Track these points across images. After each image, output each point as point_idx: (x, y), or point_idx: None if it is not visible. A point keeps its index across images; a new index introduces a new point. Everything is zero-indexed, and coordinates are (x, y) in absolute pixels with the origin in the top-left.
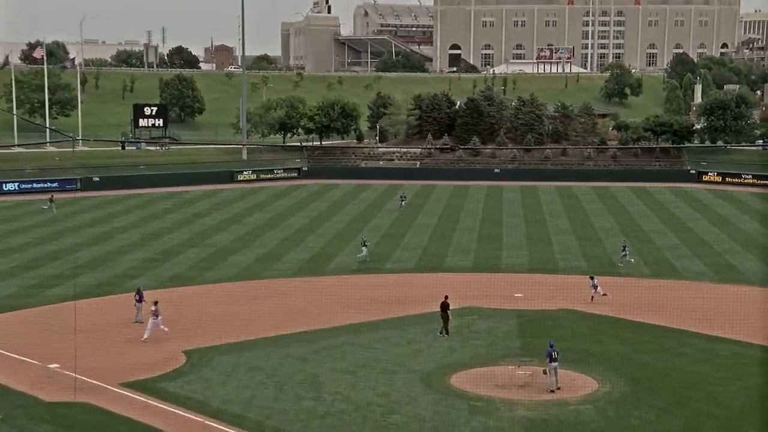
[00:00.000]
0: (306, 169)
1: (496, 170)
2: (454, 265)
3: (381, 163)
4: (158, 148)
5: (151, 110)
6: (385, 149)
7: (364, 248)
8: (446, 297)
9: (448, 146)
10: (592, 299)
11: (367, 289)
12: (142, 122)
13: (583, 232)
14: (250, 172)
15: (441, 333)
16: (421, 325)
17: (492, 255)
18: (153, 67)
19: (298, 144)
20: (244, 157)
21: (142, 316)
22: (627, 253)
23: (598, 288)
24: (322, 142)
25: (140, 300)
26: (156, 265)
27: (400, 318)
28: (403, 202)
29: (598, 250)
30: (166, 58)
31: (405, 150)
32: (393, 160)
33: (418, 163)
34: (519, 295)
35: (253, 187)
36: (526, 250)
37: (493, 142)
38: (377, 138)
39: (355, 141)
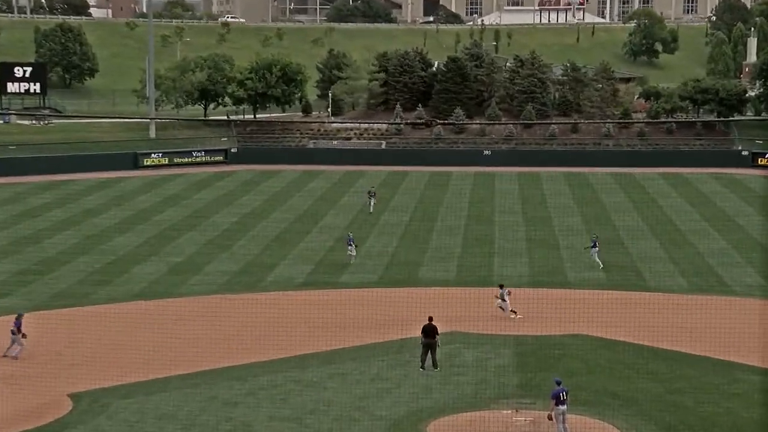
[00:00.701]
0: (235, 150)
1: (487, 152)
2: (432, 277)
3: (335, 143)
4: (34, 122)
5: (24, 71)
6: (340, 125)
7: (350, 247)
8: (431, 319)
9: (423, 121)
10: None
11: (317, 309)
12: (12, 87)
13: (601, 232)
14: (161, 155)
15: (422, 367)
16: (389, 357)
17: (481, 263)
18: (26, 13)
19: (225, 118)
20: (152, 134)
21: (19, 351)
22: (597, 250)
23: (507, 302)
24: (257, 116)
25: (18, 331)
26: (32, 280)
27: (361, 347)
28: (372, 200)
29: (619, 257)
30: (43, 0)
31: (366, 126)
32: (351, 138)
33: (384, 143)
34: (516, 316)
35: (165, 175)
36: (525, 256)
37: (483, 116)
38: (329, 110)
39: (301, 114)
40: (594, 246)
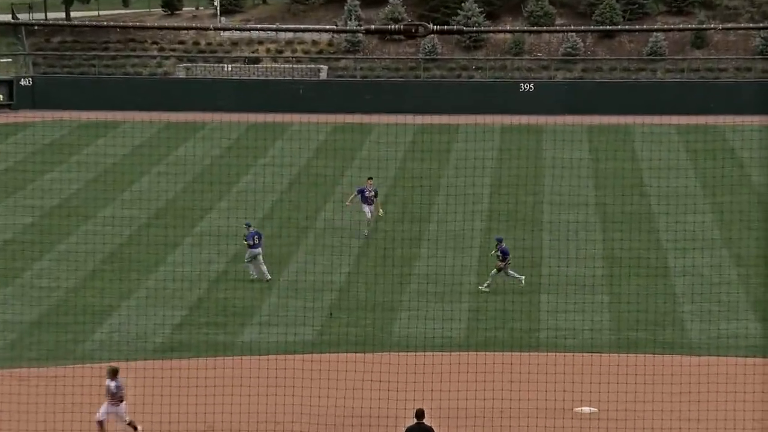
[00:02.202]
0: (28, 83)
1: (527, 86)
2: (418, 334)
3: (229, 68)
4: None
5: None
6: (237, 33)
7: (254, 250)
8: (420, 414)
9: (401, 26)
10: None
11: (187, 406)
12: None
13: (747, 242)
14: None
15: None
16: None
17: (515, 310)
18: None
19: (6, 20)
20: None
21: None
22: (507, 262)
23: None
24: (70, 15)
25: None
26: None
27: None
28: (368, 208)
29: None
30: None
31: (290, 36)
32: (260, 60)
33: (325, 69)
34: (589, 409)
35: None
36: (604, 289)
37: (518, 17)
38: (217, 5)
39: (161, 12)
40: (501, 254)
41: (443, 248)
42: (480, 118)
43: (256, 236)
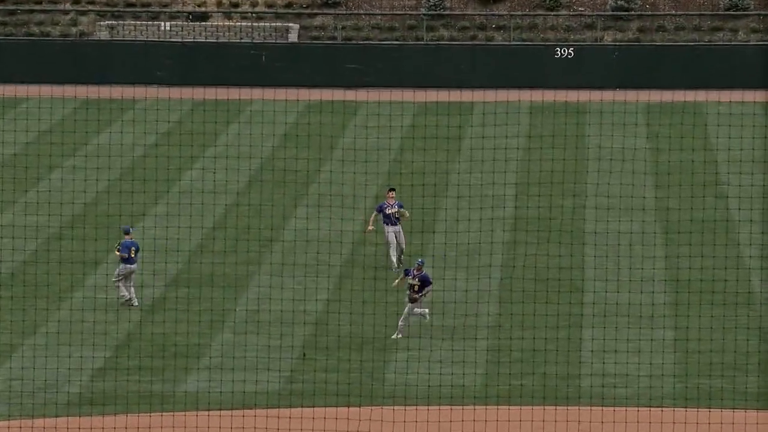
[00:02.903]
0: None
1: (564, 51)
2: (418, 382)
3: (167, 27)
4: None
5: None
6: None
7: (129, 265)
8: None
9: None
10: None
11: None
12: None
13: None
14: None
15: None
16: None
17: (550, 341)
18: None
19: None
20: None
21: None
22: (424, 293)
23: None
24: None
25: None
26: None
27: None
28: (395, 239)
29: None
30: None
31: None
32: (208, 17)
33: (294, 28)
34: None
35: None
36: (666, 322)
37: None
38: None
39: None
40: (422, 280)
41: (453, 268)
42: (502, 95)
43: (133, 248)
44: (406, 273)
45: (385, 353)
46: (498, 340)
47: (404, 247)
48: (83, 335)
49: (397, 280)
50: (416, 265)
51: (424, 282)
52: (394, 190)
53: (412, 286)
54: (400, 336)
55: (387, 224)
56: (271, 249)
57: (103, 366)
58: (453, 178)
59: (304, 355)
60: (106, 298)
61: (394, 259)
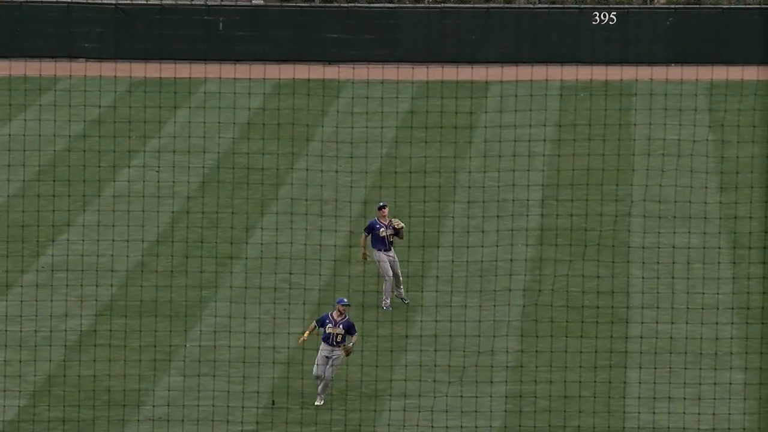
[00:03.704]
0: None
1: (604, 16)
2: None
3: None
4: None
5: None
6: None
7: None
8: None
9: None
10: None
11: None
12: None
13: None
14: None
15: None
16: None
17: (586, 384)
18: None
19: None
20: None
21: None
22: (347, 344)
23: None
24: None
25: None
26: None
27: None
28: (388, 268)
29: None
30: None
31: None
32: None
33: None
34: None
35: None
36: (736, 360)
37: None
38: None
39: None
40: (346, 327)
41: (462, 292)
42: (525, 71)
43: None
44: (321, 323)
45: (376, 401)
46: (519, 385)
47: (401, 276)
48: None
49: (305, 333)
50: (337, 307)
51: (349, 330)
52: (386, 207)
53: (330, 337)
54: (321, 402)
55: (380, 250)
56: (231, 269)
57: (16, 417)
58: (462, 179)
59: (273, 403)
60: (21, 332)
61: (388, 300)
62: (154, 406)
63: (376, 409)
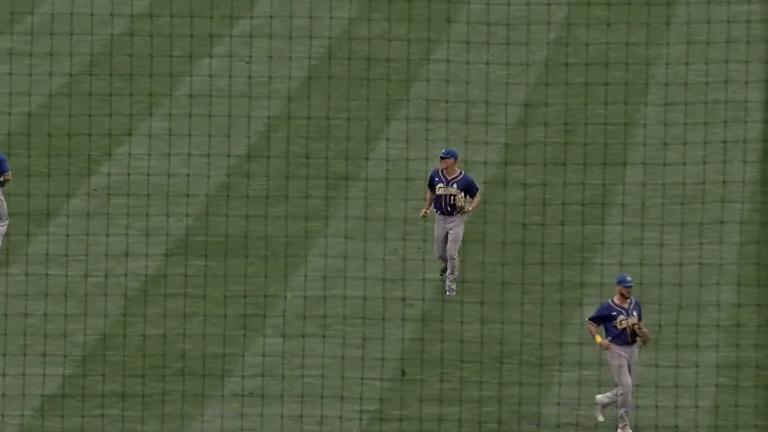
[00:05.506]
0: None
1: None
2: None
3: None
4: None
5: None
6: None
7: None
8: None
9: None
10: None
11: None
12: None
13: None
14: None
15: None
16: None
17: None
18: None
19: None
20: None
21: None
22: None
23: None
24: None
25: None
26: None
27: None
28: (449, 245)
29: None
30: None
31: None
32: None
33: None
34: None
35: None
36: None
37: None
38: None
39: None
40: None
41: (657, 225)
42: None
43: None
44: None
45: (541, 371)
46: (735, 351)
47: (456, 251)
48: None
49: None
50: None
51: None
52: (449, 157)
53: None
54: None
55: (436, 210)
56: (346, 193)
57: (59, 391)
58: (658, 73)
59: (403, 373)
60: (66, 276)
61: (449, 276)
62: (243, 376)
63: (542, 382)
